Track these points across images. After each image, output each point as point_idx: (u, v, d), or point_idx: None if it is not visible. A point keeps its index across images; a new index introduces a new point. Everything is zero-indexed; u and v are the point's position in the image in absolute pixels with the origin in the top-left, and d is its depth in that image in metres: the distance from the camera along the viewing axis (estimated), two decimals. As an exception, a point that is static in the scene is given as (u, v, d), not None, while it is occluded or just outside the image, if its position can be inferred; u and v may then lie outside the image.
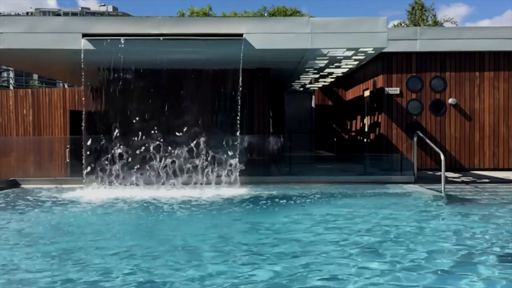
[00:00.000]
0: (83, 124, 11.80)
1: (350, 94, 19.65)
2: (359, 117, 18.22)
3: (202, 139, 11.17)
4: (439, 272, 4.97)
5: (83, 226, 7.46)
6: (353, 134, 19.28)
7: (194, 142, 11.16)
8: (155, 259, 5.48)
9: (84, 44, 11.24)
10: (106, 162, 10.86)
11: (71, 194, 10.40)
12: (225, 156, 11.14)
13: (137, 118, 13.30)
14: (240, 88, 11.75)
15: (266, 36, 11.41)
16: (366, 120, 17.10)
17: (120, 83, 13.22)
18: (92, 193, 10.41)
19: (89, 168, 10.85)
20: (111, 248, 5.98)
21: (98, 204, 9.25)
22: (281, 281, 4.71)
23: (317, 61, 13.85)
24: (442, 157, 10.53)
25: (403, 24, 38.10)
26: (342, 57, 13.24)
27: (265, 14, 48.43)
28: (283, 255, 5.61)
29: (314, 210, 8.55)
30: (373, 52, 12.48)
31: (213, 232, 6.87)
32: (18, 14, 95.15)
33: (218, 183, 11.01)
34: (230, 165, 11.07)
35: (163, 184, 10.85)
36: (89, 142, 11.23)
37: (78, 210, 8.69)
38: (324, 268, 5.11)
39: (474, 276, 4.83)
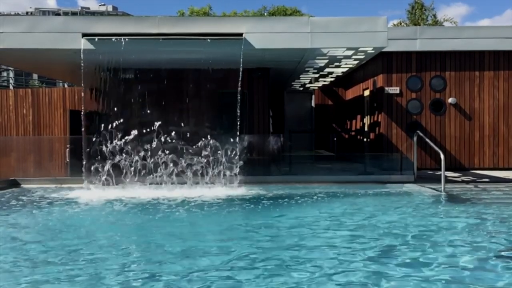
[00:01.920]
0: (83, 123, 11.81)
1: (350, 94, 19.64)
2: (359, 117, 18.22)
3: (202, 139, 11.16)
4: (456, 270, 5.01)
5: (77, 226, 7.44)
6: (353, 133, 19.27)
7: (194, 141, 11.15)
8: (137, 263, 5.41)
9: (84, 44, 11.23)
10: (106, 162, 10.84)
11: (70, 194, 10.36)
12: (225, 155, 11.13)
13: (136, 118, 13.31)
14: (240, 88, 11.74)
15: (266, 36, 11.40)
16: (366, 120, 17.10)
17: (120, 82, 13.22)
18: (90, 193, 10.36)
19: (88, 168, 10.82)
20: (97, 249, 5.97)
21: (96, 204, 9.20)
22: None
23: (317, 61, 13.84)
24: (442, 156, 10.53)
25: (403, 24, 38.09)
26: (342, 57, 13.24)
27: (265, 14, 48.43)
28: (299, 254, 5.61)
29: (319, 210, 8.56)
30: (373, 51, 12.48)
31: (217, 233, 6.84)
32: (18, 14, 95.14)
33: (218, 183, 10.99)
34: (230, 165, 11.05)
35: (163, 184, 10.83)
36: (88, 142, 11.22)
37: (73, 210, 8.63)
38: (340, 269, 5.09)
39: (492, 273, 4.89)
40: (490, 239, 6.33)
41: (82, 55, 11.25)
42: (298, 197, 9.78)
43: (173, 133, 11.24)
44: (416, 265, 5.16)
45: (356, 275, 4.83)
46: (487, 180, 12.32)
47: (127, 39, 11.12)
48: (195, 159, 11.08)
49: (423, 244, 6.02)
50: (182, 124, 12.38)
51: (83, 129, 11.89)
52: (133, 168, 10.90)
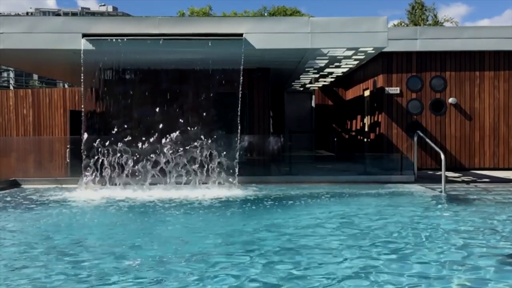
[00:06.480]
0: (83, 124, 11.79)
1: (350, 94, 19.64)
2: (359, 117, 18.22)
3: (202, 139, 11.15)
4: (456, 270, 5.01)
5: (70, 226, 7.43)
6: (353, 133, 19.27)
7: (194, 142, 11.14)
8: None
9: (84, 44, 11.23)
10: (105, 163, 10.82)
11: (67, 194, 10.32)
12: (225, 156, 11.11)
13: (135, 118, 13.29)
14: (240, 88, 11.74)
15: (266, 36, 11.41)
16: (366, 120, 17.10)
17: (119, 83, 13.22)
18: (88, 193, 10.33)
19: (86, 168, 10.80)
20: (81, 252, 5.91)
21: (92, 204, 9.16)
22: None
23: (317, 61, 13.84)
24: (443, 156, 10.52)
25: (403, 24, 38.11)
26: (342, 57, 13.24)
27: (265, 14, 48.43)
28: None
29: (321, 210, 8.56)
30: (373, 51, 12.48)
31: (219, 233, 6.81)
32: (18, 14, 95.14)
33: (218, 183, 10.96)
34: (230, 165, 11.02)
35: (162, 184, 10.81)
36: (87, 143, 11.19)
37: (68, 210, 8.60)
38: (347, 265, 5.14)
39: (491, 273, 4.90)
40: (490, 239, 6.33)
41: (82, 55, 11.25)
42: (300, 198, 9.77)
43: (172, 133, 11.22)
44: (416, 264, 5.16)
45: (372, 271, 4.88)
46: (487, 180, 12.31)
47: (126, 40, 11.11)
48: (195, 159, 11.05)
49: (423, 244, 6.03)
50: (182, 125, 12.36)
51: (82, 129, 11.87)
52: (132, 168, 10.87)
